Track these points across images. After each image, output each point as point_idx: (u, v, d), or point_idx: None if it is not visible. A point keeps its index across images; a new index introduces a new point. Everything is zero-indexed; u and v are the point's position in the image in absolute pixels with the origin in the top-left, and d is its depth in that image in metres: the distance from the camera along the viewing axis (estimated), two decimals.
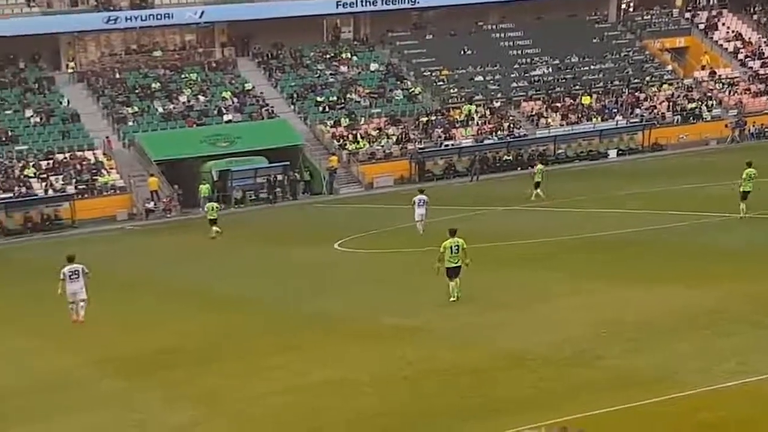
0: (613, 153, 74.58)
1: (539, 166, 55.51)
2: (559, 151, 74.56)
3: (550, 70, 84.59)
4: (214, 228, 50.82)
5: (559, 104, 79.70)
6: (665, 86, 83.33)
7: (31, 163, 67.39)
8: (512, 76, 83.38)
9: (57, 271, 31.41)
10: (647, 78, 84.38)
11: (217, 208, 52.99)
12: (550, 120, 77.70)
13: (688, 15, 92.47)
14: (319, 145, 73.58)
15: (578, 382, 20.43)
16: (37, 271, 39.88)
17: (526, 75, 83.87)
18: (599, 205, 43.77)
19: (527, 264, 35.25)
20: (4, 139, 69.51)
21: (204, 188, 65.60)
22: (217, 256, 46.24)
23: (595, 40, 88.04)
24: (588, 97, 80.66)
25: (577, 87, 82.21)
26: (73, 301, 31.41)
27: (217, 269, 41.83)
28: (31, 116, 72.06)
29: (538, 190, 53.00)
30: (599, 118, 78.52)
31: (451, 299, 29.47)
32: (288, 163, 68.69)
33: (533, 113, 78.72)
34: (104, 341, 29.16)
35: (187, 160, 68.57)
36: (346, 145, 72.86)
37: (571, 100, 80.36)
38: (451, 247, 29.60)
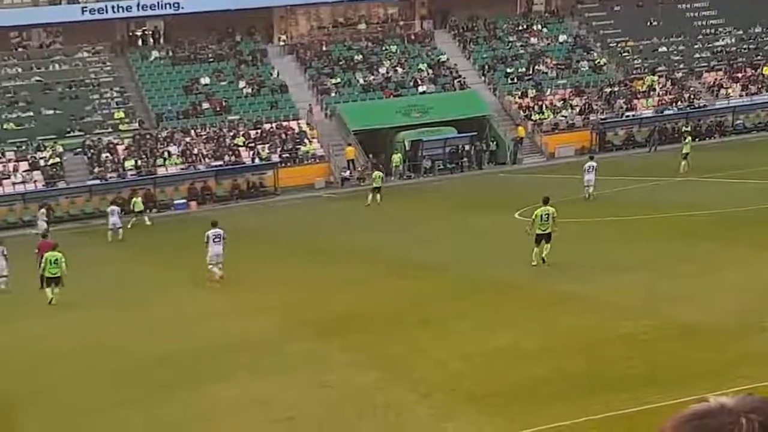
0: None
1: (689, 139, 54.47)
2: (738, 121, 72.44)
3: (734, 40, 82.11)
4: (377, 197, 51.57)
5: (740, 75, 77.34)
6: None
7: (241, 133, 69.04)
8: (695, 46, 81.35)
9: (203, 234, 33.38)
10: None
11: (382, 177, 53.44)
12: (730, 91, 75.54)
13: None
14: (505, 116, 73.43)
15: (747, 353, 19.92)
16: (239, 235, 40.86)
17: (709, 45, 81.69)
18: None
19: (702, 234, 34.34)
20: (218, 108, 71.50)
21: (396, 158, 66.32)
22: (403, 223, 46.52)
23: None
24: None
25: (759, 57, 79.57)
26: (216, 262, 33.25)
27: (403, 236, 41.99)
28: (244, 87, 73.80)
29: (685, 162, 52.07)
30: None
31: (533, 264, 30.02)
32: (475, 133, 68.70)
33: (714, 84, 76.68)
34: (294, 304, 29.62)
35: (382, 131, 69.08)
36: (531, 115, 72.58)
37: (753, 71, 77.82)
38: (542, 215, 30.38)
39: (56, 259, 32.50)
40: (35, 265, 34.60)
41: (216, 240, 33.59)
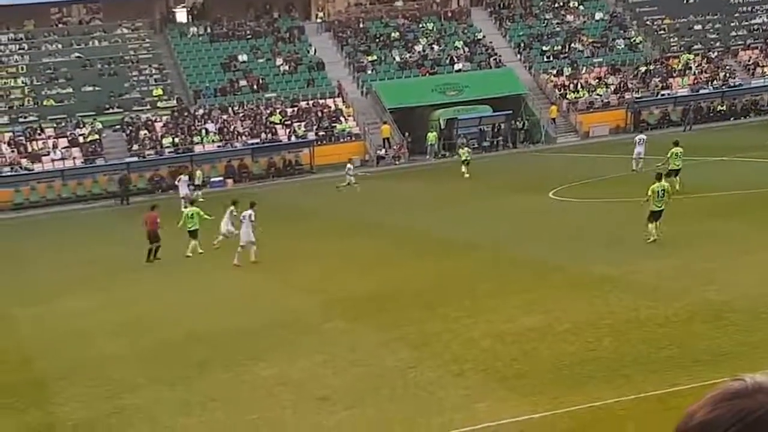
0: None
1: None
2: None
3: None
4: (464, 170, 52.14)
5: None
6: None
7: (278, 110, 69.14)
8: (732, 24, 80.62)
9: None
10: None
11: (469, 152, 54.03)
12: (766, 69, 74.82)
13: None
14: (541, 94, 73.12)
15: None
16: (276, 213, 40.99)
17: (746, 23, 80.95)
18: None
19: (734, 215, 34.06)
20: (255, 86, 71.64)
21: (431, 136, 66.25)
22: (437, 202, 46.45)
23: None
24: None
25: None
26: (249, 241, 33.23)
27: (438, 215, 41.92)
28: (281, 64, 73.88)
29: None
30: None
31: (649, 240, 29.63)
32: (510, 111, 68.50)
33: (750, 62, 75.97)
34: (327, 283, 29.79)
35: (418, 109, 68.95)
36: (566, 94, 72.24)
37: None
38: (658, 191, 30.14)
39: (192, 214, 35.79)
40: (66, 241, 34.81)
41: (242, 220, 33.72)
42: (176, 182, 54.52)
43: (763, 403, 2.27)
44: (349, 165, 52.83)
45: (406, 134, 68.45)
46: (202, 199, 54.49)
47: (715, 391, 2.34)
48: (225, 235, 35.86)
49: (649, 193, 30.43)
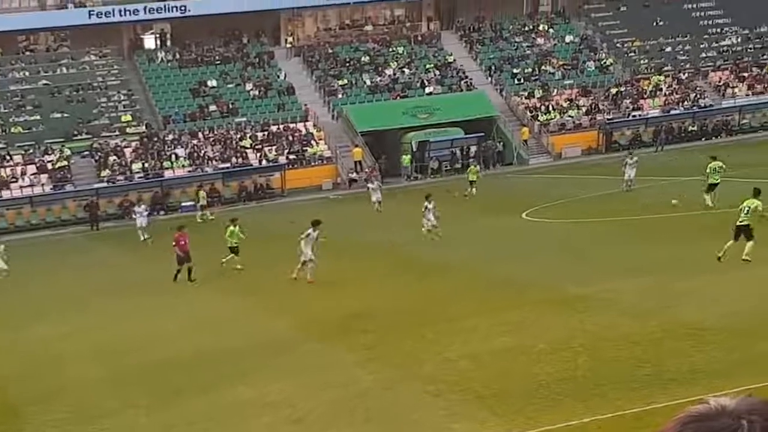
0: None
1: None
2: (744, 121, 72.45)
3: (740, 39, 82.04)
4: (472, 190, 52.79)
5: (746, 74, 77.31)
6: None
7: (248, 135, 69.14)
8: (701, 46, 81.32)
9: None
10: None
11: (477, 171, 54.64)
12: (736, 90, 75.54)
13: None
14: (512, 117, 73.45)
15: (754, 353, 19.96)
16: (250, 237, 40.98)
17: (715, 45, 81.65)
18: None
19: (708, 234, 33.96)
20: (225, 111, 71.64)
21: (406, 158, 66.60)
22: (412, 223, 45.99)
23: None
24: None
25: (765, 57, 79.52)
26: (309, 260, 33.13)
27: (413, 236, 41.64)
28: (251, 89, 73.93)
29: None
30: None
31: (719, 255, 28.88)
32: (483, 134, 68.83)
33: (720, 83, 76.66)
34: (303, 304, 29.88)
35: (389, 132, 69.11)
36: (538, 116, 72.63)
37: (759, 70, 77.80)
38: (746, 208, 29.20)
39: (231, 232, 37.49)
40: (35, 267, 34.67)
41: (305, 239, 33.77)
42: (133, 213, 53.89)
43: (728, 425, 2.31)
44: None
45: (383, 156, 68.74)
46: (212, 218, 55.36)
47: (681, 414, 2.38)
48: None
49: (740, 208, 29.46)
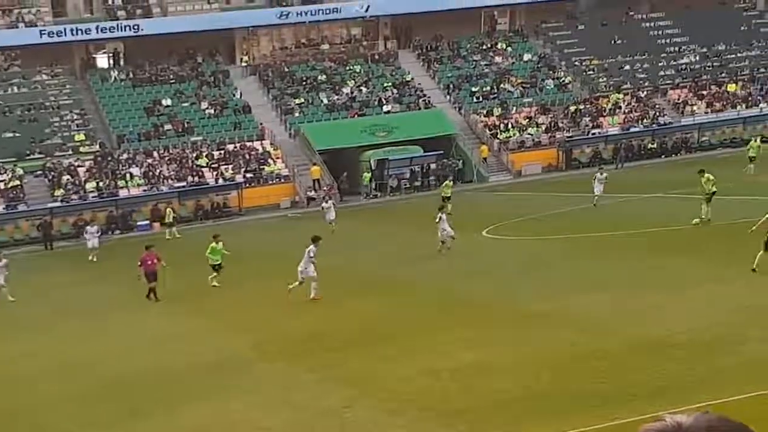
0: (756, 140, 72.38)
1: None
2: (703, 138, 73.19)
3: (698, 58, 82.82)
4: (447, 206, 52.14)
5: (705, 92, 78.10)
6: None
7: (204, 153, 68.93)
8: (660, 64, 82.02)
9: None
10: None
11: (450, 186, 54.56)
12: (695, 108, 76.28)
13: None
14: (471, 134, 73.70)
15: (717, 369, 20.15)
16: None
17: (674, 63, 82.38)
18: (742, 192, 42.68)
19: (670, 250, 34.62)
20: (180, 130, 71.36)
21: (367, 176, 66.79)
22: (371, 241, 46.71)
23: (743, 28, 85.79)
24: (734, 85, 78.82)
25: (724, 75, 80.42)
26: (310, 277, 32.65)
27: (373, 253, 42.08)
28: (206, 108, 73.67)
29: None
30: (744, 106, 76.64)
31: (753, 267, 29.03)
32: (442, 152, 69.07)
33: (679, 101, 77.37)
34: (262, 324, 29.78)
35: (347, 150, 69.18)
36: (497, 134, 72.94)
37: (717, 88, 78.64)
38: None
39: (212, 249, 37.75)
40: None
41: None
42: (85, 233, 53.45)
43: None
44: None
45: (345, 174, 68.84)
46: (179, 236, 55.43)
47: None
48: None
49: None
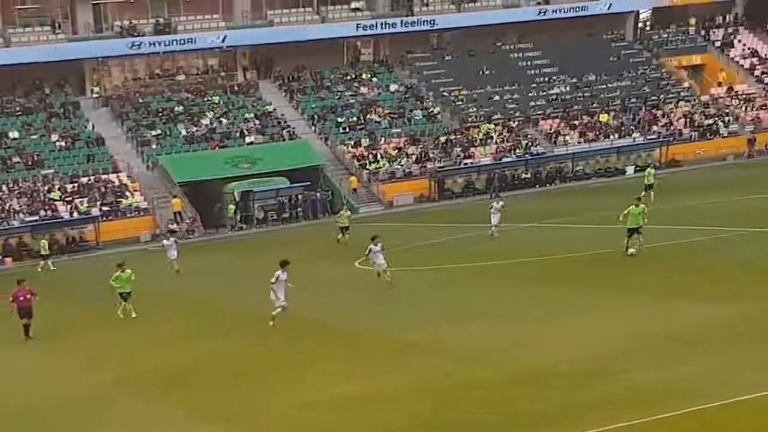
0: (630, 170, 73.60)
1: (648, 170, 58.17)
2: (577, 168, 74.36)
3: (568, 88, 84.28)
4: (345, 235, 51.80)
5: (577, 122, 79.40)
6: (682, 103, 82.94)
7: (56, 187, 67.57)
8: (530, 94, 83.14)
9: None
10: (664, 95, 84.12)
11: (349, 216, 53.90)
12: (568, 138, 77.39)
13: (704, 33, 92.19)
14: (339, 165, 73.39)
15: (599, 397, 20.18)
16: (62, 291, 39.68)
17: (544, 93, 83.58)
18: (617, 220, 43.11)
19: (548, 280, 35.00)
20: (30, 163, 69.72)
21: (231, 208, 66.52)
22: (239, 273, 46.25)
23: (612, 59, 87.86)
24: (606, 115, 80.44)
25: (595, 105, 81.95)
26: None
27: (238, 287, 41.59)
28: (57, 140, 72.21)
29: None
30: (617, 135, 78.13)
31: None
32: (309, 183, 68.85)
33: (551, 131, 78.36)
34: (129, 359, 29.29)
35: (210, 182, 68.71)
36: (366, 164, 72.63)
37: (589, 118, 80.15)
38: None
39: (117, 278, 36.55)
40: None
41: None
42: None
43: None
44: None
45: (218, 206, 68.50)
46: (54, 268, 55.13)
47: None
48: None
49: None
